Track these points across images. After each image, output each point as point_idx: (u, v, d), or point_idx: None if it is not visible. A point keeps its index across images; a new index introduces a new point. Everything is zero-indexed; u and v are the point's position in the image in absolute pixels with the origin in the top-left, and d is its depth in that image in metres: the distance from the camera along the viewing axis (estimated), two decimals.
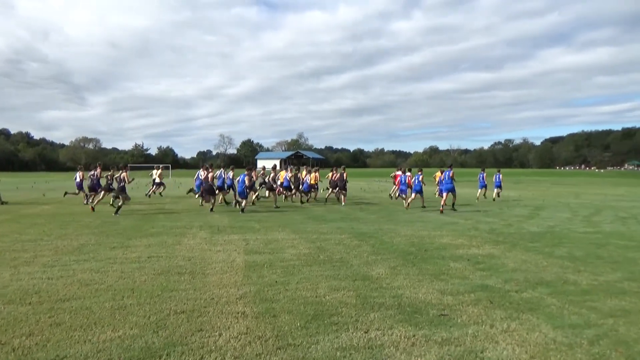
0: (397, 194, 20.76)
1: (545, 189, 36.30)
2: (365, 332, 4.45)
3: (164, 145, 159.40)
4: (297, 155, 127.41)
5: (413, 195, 18.26)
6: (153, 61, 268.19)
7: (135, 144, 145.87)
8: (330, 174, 21.65)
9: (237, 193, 17.18)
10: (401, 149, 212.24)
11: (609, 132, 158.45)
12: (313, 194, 21.51)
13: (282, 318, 4.84)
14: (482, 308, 5.28)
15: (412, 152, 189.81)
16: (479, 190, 23.74)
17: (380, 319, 4.85)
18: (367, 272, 7.04)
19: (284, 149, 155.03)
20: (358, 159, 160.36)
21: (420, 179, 18.18)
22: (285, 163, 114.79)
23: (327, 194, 21.43)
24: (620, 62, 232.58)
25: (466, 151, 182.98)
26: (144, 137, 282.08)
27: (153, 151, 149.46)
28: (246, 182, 16.35)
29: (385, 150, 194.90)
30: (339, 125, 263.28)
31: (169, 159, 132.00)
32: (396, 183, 21.96)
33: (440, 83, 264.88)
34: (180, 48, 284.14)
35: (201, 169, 19.28)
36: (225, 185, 19.03)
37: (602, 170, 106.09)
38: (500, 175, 23.91)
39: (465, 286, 6.25)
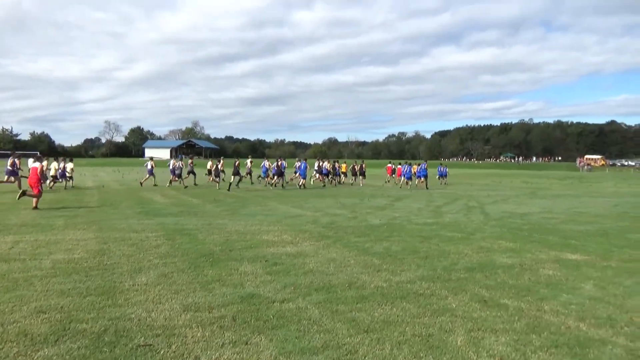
0: (400, 182, 28.02)
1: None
2: None
3: (44, 131, 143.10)
4: (189, 144, 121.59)
5: (417, 180, 26.58)
6: (31, 37, 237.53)
7: (2, 128, 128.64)
8: (352, 165, 30.69)
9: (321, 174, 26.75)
10: (302, 140, 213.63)
11: (489, 127, 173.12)
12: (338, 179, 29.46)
13: None
14: (215, 329, 4.19)
15: (312, 143, 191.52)
16: (439, 179, 31.05)
17: (48, 357, 3.52)
18: (121, 282, 5.68)
19: (177, 137, 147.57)
20: (257, 150, 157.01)
21: (425, 167, 26.36)
22: (176, 152, 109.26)
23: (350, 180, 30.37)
24: (502, 62, 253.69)
25: (363, 143, 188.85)
26: (21, 122, 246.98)
27: (25, 137, 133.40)
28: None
29: (286, 141, 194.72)
30: (240, 114, 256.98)
31: (43, 146, 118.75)
32: (389, 173, 32.43)
33: (341, 75, 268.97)
34: (64, 24, 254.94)
35: (266, 160, 27.02)
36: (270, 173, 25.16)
37: (480, 162, 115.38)
38: (447, 168, 32.99)
39: (228, 297, 5.16)
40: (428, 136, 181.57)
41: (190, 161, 25.84)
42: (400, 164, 30.53)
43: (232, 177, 23.43)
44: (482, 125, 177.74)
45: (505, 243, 9.05)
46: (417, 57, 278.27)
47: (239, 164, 24.27)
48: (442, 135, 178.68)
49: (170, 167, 24.18)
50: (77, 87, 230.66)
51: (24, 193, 13.74)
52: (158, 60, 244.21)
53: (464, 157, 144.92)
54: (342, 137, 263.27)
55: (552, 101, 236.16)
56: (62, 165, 21.75)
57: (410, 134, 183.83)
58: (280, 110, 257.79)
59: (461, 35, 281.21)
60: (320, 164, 27.36)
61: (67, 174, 21.97)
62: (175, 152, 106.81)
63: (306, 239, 9.03)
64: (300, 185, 24.62)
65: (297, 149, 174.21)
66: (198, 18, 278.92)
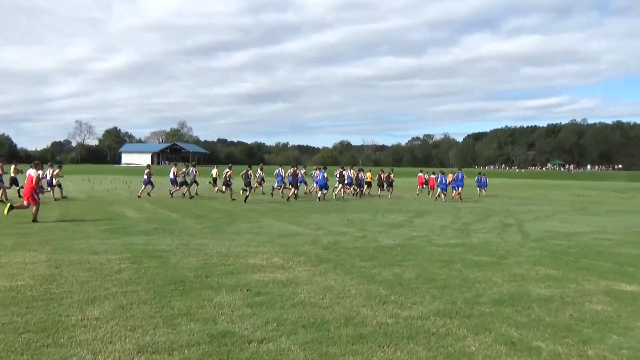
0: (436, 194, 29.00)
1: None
2: None
3: (5, 132, 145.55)
4: (173, 149, 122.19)
5: (453, 192, 28.45)
6: None
7: None
8: (378, 174, 30.31)
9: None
10: (309, 144, 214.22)
11: (534, 129, 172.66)
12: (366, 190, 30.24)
13: None
14: None
15: (320, 147, 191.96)
16: (479, 190, 32.95)
17: None
18: (68, 316, 5.59)
19: (161, 140, 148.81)
20: (255, 155, 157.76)
21: (462, 176, 28.30)
22: (158, 157, 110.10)
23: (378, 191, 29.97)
24: (548, 52, 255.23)
25: (382, 147, 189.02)
26: None
27: None
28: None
29: (290, 144, 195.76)
30: (235, 113, 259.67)
31: (3, 150, 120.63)
32: (419, 184, 33.85)
33: (355, 67, 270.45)
34: (32, 9, 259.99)
35: (280, 168, 27.37)
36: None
37: (522, 170, 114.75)
38: (487, 178, 34.71)
39: (195, 335, 5.04)
40: (459, 139, 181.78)
41: (192, 168, 26.14)
42: (434, 173, 32.00)
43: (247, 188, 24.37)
44: (524, 126, 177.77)
45: (544, 270, 8.85)
46: (446, 46, 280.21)
47: (251, 173, 24.85)
48: (476, 138, 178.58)
49: (171, 175, 25.05)
50: (45, 81, 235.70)
51: (11, 207, 14.53)
52: (140, 50, 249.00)
53: (503, 165, 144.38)
54: (356, 141, 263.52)
55: (610, 98, 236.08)
56: (49, 172, 22.44)
57: (438, 137, 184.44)
58: (282, 108, 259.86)
59: (498, 21, 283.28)
60: (343, 172, 27.77)
61: (54, 182, 22.59)
62: (158, 157, 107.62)
63: (301, 263, 8.92)
64: (320, 197, 25.45)
65: (303, 154, 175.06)
66: (186, 1, 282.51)
